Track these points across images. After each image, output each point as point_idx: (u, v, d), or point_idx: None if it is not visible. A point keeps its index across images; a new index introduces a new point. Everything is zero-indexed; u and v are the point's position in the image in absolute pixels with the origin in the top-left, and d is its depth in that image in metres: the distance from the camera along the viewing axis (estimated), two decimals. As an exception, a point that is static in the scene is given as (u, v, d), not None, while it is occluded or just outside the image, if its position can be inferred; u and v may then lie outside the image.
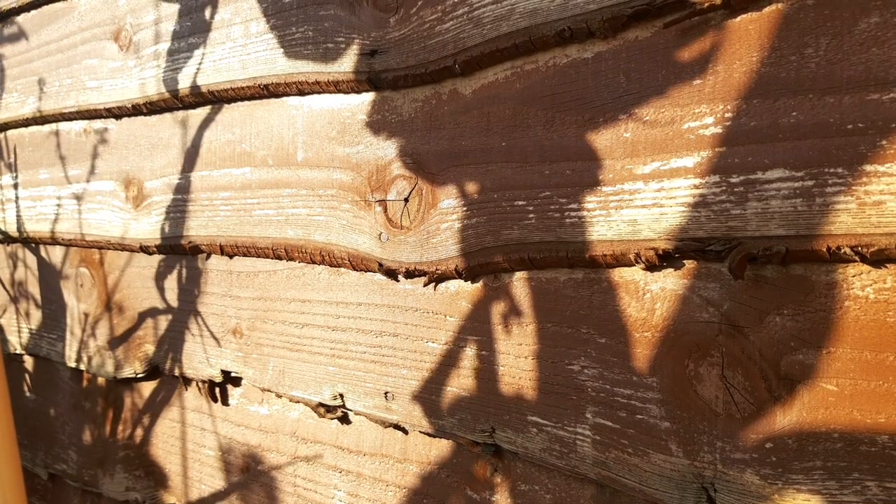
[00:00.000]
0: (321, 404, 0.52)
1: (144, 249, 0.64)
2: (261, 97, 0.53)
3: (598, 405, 0.38)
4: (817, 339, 0.31)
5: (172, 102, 0.60)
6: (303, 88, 0.50)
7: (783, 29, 0.31)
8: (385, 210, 0.46)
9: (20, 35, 0.78)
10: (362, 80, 0.46)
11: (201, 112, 0.58)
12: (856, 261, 0.30)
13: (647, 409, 0.36)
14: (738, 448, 0.33)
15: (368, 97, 0.47)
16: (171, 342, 0.63)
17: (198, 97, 0.57)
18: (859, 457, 0.30)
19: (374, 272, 0.47)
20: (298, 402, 0.54)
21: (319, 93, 0.50)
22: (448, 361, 0.44)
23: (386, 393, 0.48)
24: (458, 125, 0.43)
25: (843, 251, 0.30)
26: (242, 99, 0.55)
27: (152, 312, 0.65)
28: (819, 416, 0.31)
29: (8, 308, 0.83)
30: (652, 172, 0.35)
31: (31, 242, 0.80)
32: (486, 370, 0.42)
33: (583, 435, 0.38)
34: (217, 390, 0.61)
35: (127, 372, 0.68)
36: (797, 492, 0.32)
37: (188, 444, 0.64)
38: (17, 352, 0.82)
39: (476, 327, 0.43)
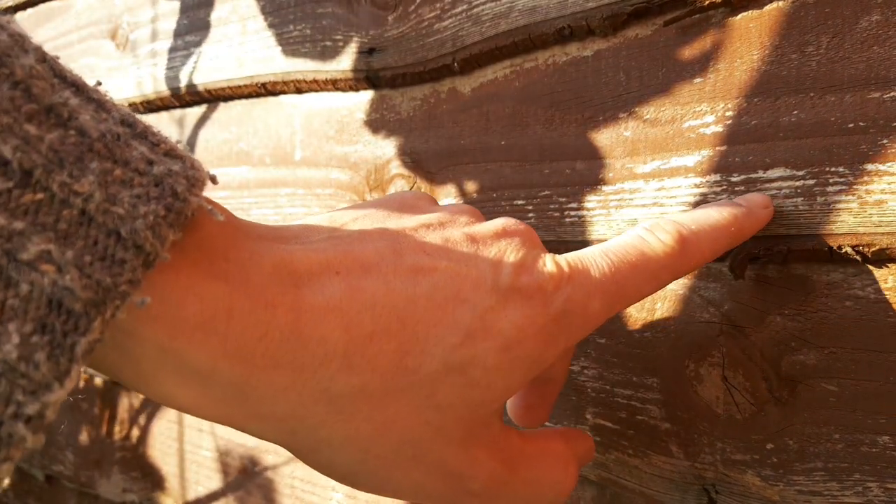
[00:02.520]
0: (319, 405, 0.51)
1: (141, 249, 0.64)
2: (258, 96, 0.53)
3: (598, 406, 0.37)
4: (818, 339, 0.31)
5: (169, 101, 0.60)
6: (301, 87, 0.50)
7: (784, 27, 0.31)
8: (383, 209, 0.46)
9: (16, 34, 0.77)
10: (360, 79, 0.46)
11: (198, 111, 0.58)
12: (857, 260, 0.30)
13: (647, 409, 0.36)
14: (739, 449, 0.33)
15: (366, 96, 0.47)
16: (168, 342, 0.63)
17: (195, 96, 0.57)
18: (860, 457, 0.30)
19: (373, 272, 0.47)
20: (296, 402, 0.53)
21: (317, 91, 0.49)
22: (447, 362, 0.44)
23: (384, 393, 0.48)
24: (457, 124, 0.42)
25: (844, 251, 0.29)
26: (240, 97, 0.55)
27: (149, 312, 0.64)
28: (820, 416, 0.31)
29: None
30: (652, 171, 0.35)
31: (27, 242, 0.79)
32: (485, 370, 0.42)
33: (582, 436, 0.38)
34: (214, 391, 0.60)
35: (124, 372, 0.67)
36: (798, 493, 0.31)
37: (185, 445, 0.63)
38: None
39: (475, 327, 0.42)
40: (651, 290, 0.26)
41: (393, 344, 0.20)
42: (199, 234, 0.19)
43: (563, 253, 0.38)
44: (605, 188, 0.36)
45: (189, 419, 0.63)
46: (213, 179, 0.19)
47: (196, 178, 0.18)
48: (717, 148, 0.33)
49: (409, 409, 0.21)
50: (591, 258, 0.25)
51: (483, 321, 0.22)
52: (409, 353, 0.21)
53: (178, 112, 0.60)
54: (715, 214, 0.28)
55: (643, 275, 0.25)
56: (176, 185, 0.17)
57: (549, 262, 0.24)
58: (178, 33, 0.58)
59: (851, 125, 0.29)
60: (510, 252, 0.24)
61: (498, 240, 0.24)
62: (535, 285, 0.23)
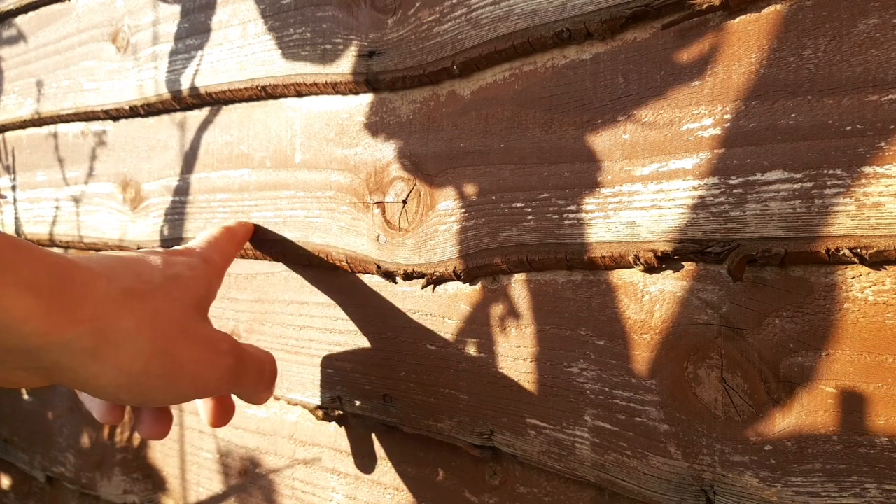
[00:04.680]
0: (319, 407, 0.52)
1: (142, 251, 0.64)
2: (259, 98, 0.53)
3: (597, 407, 0.38)
4: (816, 341, 0.31)
5: (170, 104, 0.60)
6: (301, 90, 0.50)
7: (782, 30, 0.31)
8: (383, 212, 0.46)
9: (18, 37, 0.77)
10: (360, 82, 0.46)
11: (199, 114, 0.58)
12: (855, 262, 0.30)
13: (646, 411, 0.36)
14: (738, 450, 0.33)
15: (366, 99, 0.47)
16: (169, 344, 0.63)
17: (195, 99, 0.57)
18: (858, 459, 0.30)
19: (373, 274, 0.47)
20: (297, 404, 0.53)
21: (317, 94, 0.50)
22: (446, 364, 0.44)
23: (384, 395, 0.48)
24: (457, 127, 0.42)
25: (842, 253, 0.29)
26: (240, 100, 0.55)
27: (150, 314, 0.64)
28: (818, 418, 0.31)
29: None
30: (651, 174, 0.35)
31: (28, 244, 0.79)
32: (485, 373, 0.42)
33: (581, 437, 0.38)
34: (215, 393, 0.60)
35: (125, 374, 0.67)
36: (796, 494, 0.31)
37: (186, 446, 0.64)
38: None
39: (475, 329, 0.43)
40: (232, 249, 0.47)
41: (130, 273, 0.34)
42: None
43: (561, 254, 0.38)
44: (603, 191, 0.36)
45: (190, 421, 0.63)
46: None
47: None
48: (716, 150, 0.33)
49: (163, 303, 0.34)
50: (197, 238, 0.45)
51: (165, 263, 0.37)
52: (140, 276, 0.34)
53: (178, 115, 0.60)
54: (222, 228, 0.49)
55: (222, 241, 0.46)
56: None
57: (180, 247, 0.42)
58: (178, 36, 0.59)
59: (849, 128, 0.29)
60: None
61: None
62: (180, 251, 0.41)
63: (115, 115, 0.65)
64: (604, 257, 0.36)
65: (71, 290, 0.29)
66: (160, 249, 0.39)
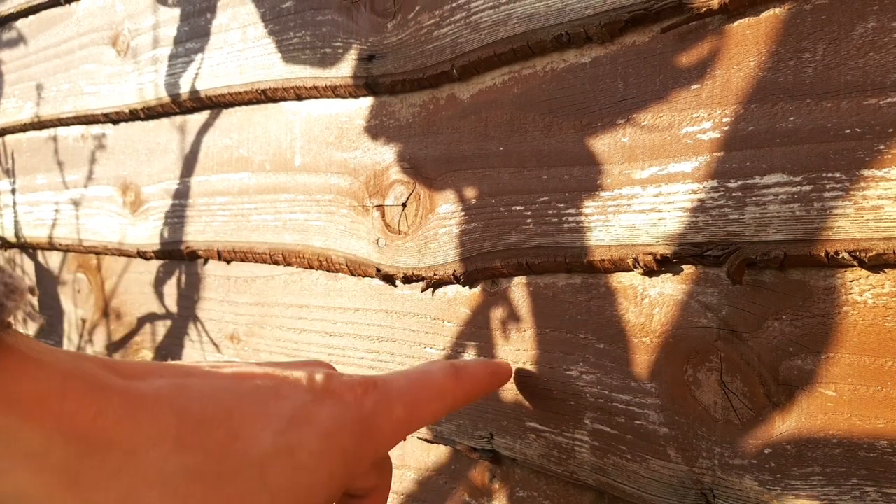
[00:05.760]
0: (319, 410, 0.52)
1: (142, 255, 0.64)
2: (259, 102, 0.53)
3: (597, 411, 0.38)
4: (816, 344, 0.31)
5: (170, 107, 0.60)
6: (301, 93, 0.50)
7: (781, 34, 0.31)
8: (383, 215, 0.46)
9: (19, 40, 0.78)
10: (360, 85, 0.46)
11: (199, 117, 0.58)
12: (854, 266, 0.30)
13: (645, 414, 0.36)
14: (737, 454, 0.33)
15: (366, 102, 0.47)
16: (170, 348, 0.63)
17: (195, 102, 0.57)
18: (858, 462, 0.30)
19: (372, 277, 0.47)
20: (296, 407, 0.53)
21: (317, 98, 0.50)
22: (446, 367, 0.44)
23: (384, 398, 0.48)
24: (456, 130, 0.43)
25: (841, 256, 0.30)
26: (240, 104, 0.55)
27: (150, 318, 0.65)
28: (818, 421, 0.31)
29: (5, 313, 0.83)
30: (650, 177, 0.35)
31: (28, 248, 0.79)
32: (485, 376, 0.42)
33: (581, 441, 0.38)
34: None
35: (124, 378, 0.67)
36: (796, 497, 0.31)
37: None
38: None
39: (474, 333, 0.43)
40: (440, 408, 0.30)
41: (222, 430, 0.22)
42: (26, 338, 0.20)
43: (560, 257, 0.38)
44: (603, 194, 0.37)
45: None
46: (32, 291, 0.20)
47: (15, 285, 0.18)
48: (715, 154, 0.33)
49: (242, 493, 0.21)
50: (391, 376, 0.29)
51: (304, 411, 0.24)
52: (239, 437, 0.22)
53: (178, 118, 0.60)
54: (481, 362, 0.36)
55: (431, 392, 0.30)
56: None
57: (356, 377, 0.27)
58: (179, 40, 0.59)
59: (848, 131, 0.29)
60: (319, 369, 0.27)
61: (305, 365, 0.28)
62: (346, 388, 0.26)
63: (115, 118, 0.66)
64: (603, 260, 0.36)
65: (101, 460, 0.19)
66: (318, 376, 0.26)
